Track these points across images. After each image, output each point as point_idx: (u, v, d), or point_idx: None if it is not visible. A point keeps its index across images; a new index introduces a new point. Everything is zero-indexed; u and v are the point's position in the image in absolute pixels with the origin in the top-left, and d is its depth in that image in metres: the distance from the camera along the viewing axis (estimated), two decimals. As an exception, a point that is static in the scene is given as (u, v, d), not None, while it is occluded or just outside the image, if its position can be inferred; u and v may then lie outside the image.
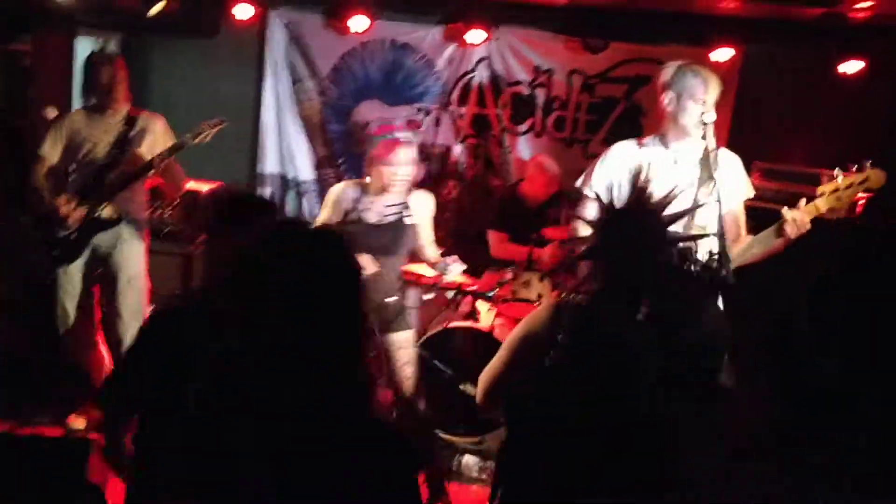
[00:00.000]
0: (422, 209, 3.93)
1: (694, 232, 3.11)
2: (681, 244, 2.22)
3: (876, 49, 5.02)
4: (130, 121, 4.11)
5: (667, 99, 3.25)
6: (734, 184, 3.32)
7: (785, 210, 3.04)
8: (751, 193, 3.39)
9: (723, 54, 5.08)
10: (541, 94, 5.84)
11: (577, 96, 5.80)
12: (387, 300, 3.84)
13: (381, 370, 3.90)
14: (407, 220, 3.86)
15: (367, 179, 3.89)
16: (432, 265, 4.03)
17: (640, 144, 3.39)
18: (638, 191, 2.27)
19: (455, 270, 3.92)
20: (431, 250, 4.02)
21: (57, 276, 4.06)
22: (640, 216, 2.24)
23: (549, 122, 5.88)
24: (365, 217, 3.83)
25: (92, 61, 4.19)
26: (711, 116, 3.18)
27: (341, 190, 3.94)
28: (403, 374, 3.88)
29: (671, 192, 2.29)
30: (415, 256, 4.17)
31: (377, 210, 3.84)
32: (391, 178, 3.78)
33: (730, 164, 3.33)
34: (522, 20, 5.70)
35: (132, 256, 4.15)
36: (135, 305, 4.14)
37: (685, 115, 3.20)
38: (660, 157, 3.31)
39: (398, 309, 3.90)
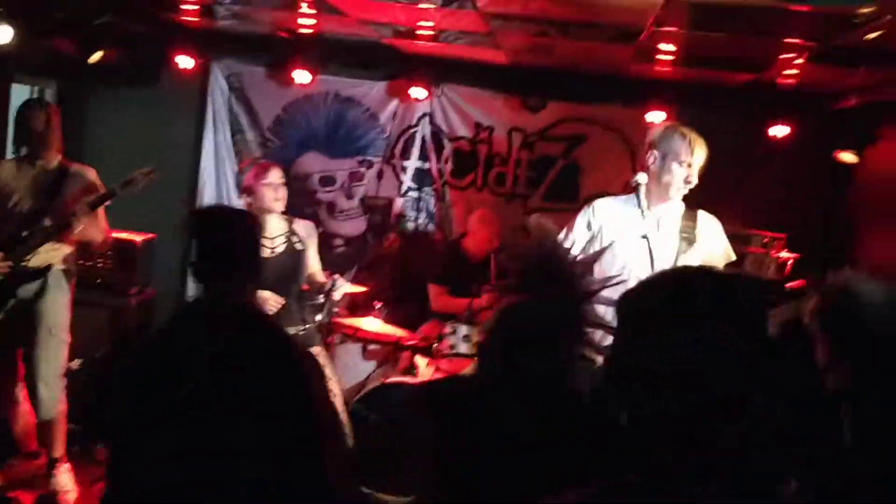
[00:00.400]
0: (309, 236, 4.00)
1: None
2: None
3: (802, 114, 5.23)
4: (61, 171, 4.04)
5: (651, 158, 3.21)
6: (715, 248, 3.28)
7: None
8: (731, 258, 3.34)
9: (656, 116, 5.23)
10: (482, 150, 5.91)
11: (517, 153, 5.89)
12: (295, 330, 3.84)
13: None
14: (298, 247, 3.92)
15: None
16: (321, 286, 3.99)
17: (622, 201, 3.31)
18: (553, 245, 2.27)
19: (342, 287, 3.91)
20: (319, 276, 4.05)
21: None
22: (556, 269, 2.25)
23: (490, 177, 5.95)
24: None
25: (24, 109, 4.12)
26: (694, 180, 3.17)
27: None
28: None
29: (583, 249, 2.32)
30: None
31: (266, 244, 3.84)
32: (271, 198, 3.83)
33: (710, 227, 3.30)
34: (464, 78, 5.80)
35: (55, 306, 4.02)
36: (55, 357, 4.01)
37: (669, 176, 3.16)
38: (642, 216, 3.21)
39: (308, 337, 3.92)
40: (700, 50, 4.22)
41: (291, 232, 3.93)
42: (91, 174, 4.14)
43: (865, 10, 2.96)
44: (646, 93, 5.32)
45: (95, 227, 4.07)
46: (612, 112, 5.51)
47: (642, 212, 3.18)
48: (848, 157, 4.66)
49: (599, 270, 2.49)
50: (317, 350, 3.97)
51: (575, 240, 3.28)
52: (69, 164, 4.11)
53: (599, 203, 3.36)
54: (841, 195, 5.29)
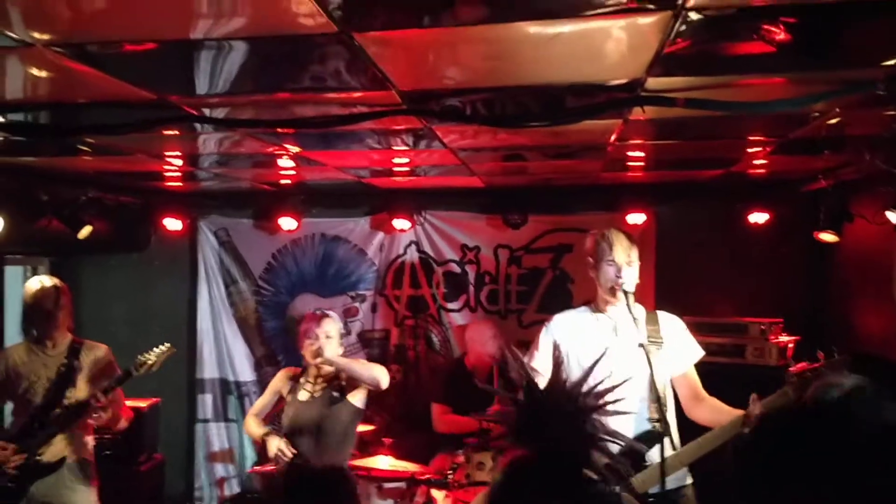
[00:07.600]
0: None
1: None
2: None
3: (777, 199, 5.33)
4: (73, 352, 3.89)
5: (590, 266, 3.35)
6: (680, 346, 3.35)
7: (752, 405, 2.99)
8: (700, 354, 3.41)
9: (636, 217, 5.33)
10: (471, 271, 5.99)
11: (505, 269, 5.97)
12: None
13: None
14: (336, 394, 3.87)
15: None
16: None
17: (579, 313, 3.42)
18: (555, 368, 2.28)
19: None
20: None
21: None
22: (558, 393, 2.25)
23: (483, 296, 6.00)
24: (297, 396, 3.91)
25: (35, 291, 3.90)
26: (629, 280, 3.22)
27: (279, 374, 4.13)
28: None
29: (591, 369, 2.34)
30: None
31: (308, 388, 3.91)
32: (311, 349, 3.82)
33: (672, 326, 3.37)
34: (444, 204, 5.94)
35: (74, 501, 3.80)
36: None
37: (603, 277, 3.27)
38: (599, 325, 3.33)
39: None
40: (668, 154, 4.36)
41: (337, 379, 3.90)
42: (102, 351, 3.98)
43: (818, 107, 3.07)
44: (623, 197, 5.45)
45: (114, 411, 3.86)
46: (593, 219, 5.60)
47: (602, 319, 3.33)
48: (828, 236, 4.74)
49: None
50: None
51: (542, 358, 3.35)
52: (81, 342, 3.97)
53: (556, 318, 3.48)
54: (825, 273, 5.36)
